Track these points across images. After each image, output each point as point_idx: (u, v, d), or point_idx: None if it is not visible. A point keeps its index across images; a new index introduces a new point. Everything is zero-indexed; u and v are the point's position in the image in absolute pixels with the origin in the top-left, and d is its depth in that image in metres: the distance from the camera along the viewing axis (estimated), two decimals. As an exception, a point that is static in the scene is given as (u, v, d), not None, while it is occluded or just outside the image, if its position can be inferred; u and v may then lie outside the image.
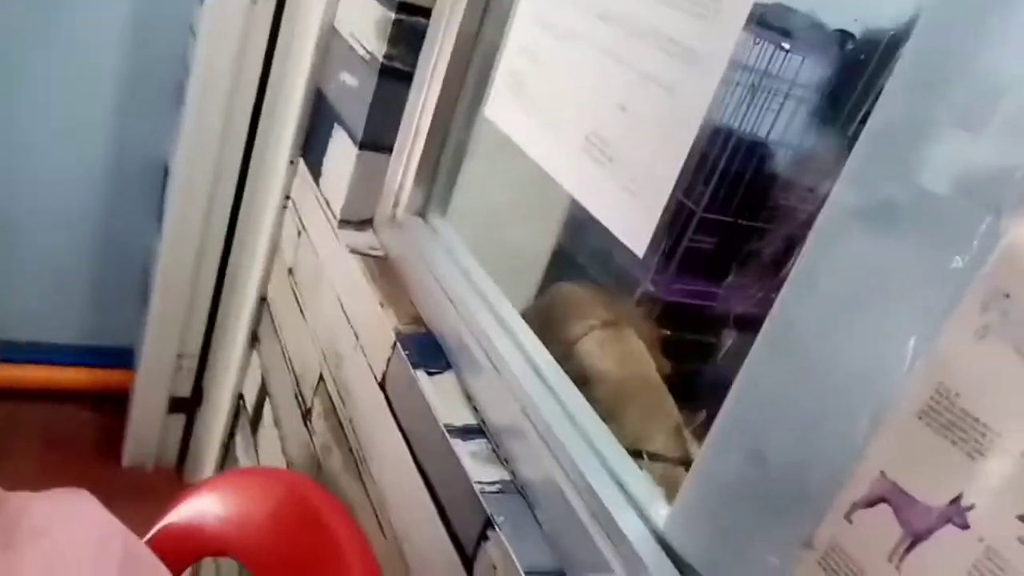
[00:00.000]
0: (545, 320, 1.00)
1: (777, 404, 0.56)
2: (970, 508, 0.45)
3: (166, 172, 2.00)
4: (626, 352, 1.04)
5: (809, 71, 1.10)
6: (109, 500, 0.76)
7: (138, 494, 1.21)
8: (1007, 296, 0.44)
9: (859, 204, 0.52)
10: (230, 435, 1.52)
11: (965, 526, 0.45)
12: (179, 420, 2.03)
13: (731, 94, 1.10)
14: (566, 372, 0.82)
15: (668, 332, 1.07)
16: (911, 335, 0.48)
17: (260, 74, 1.64)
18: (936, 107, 0.48)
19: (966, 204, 0.46)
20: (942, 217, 0.47)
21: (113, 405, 2.09)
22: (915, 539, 0.48)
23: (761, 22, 1.09)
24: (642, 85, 0.69)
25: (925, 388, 0.48)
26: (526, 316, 0.92)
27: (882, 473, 0.50)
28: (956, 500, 0.46)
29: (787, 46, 1.14)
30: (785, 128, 1.15)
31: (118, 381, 2.11)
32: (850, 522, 0.51)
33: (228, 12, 1.57)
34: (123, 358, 2.16)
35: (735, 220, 1.13)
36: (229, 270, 1.83)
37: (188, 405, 2.01)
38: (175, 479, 2.04)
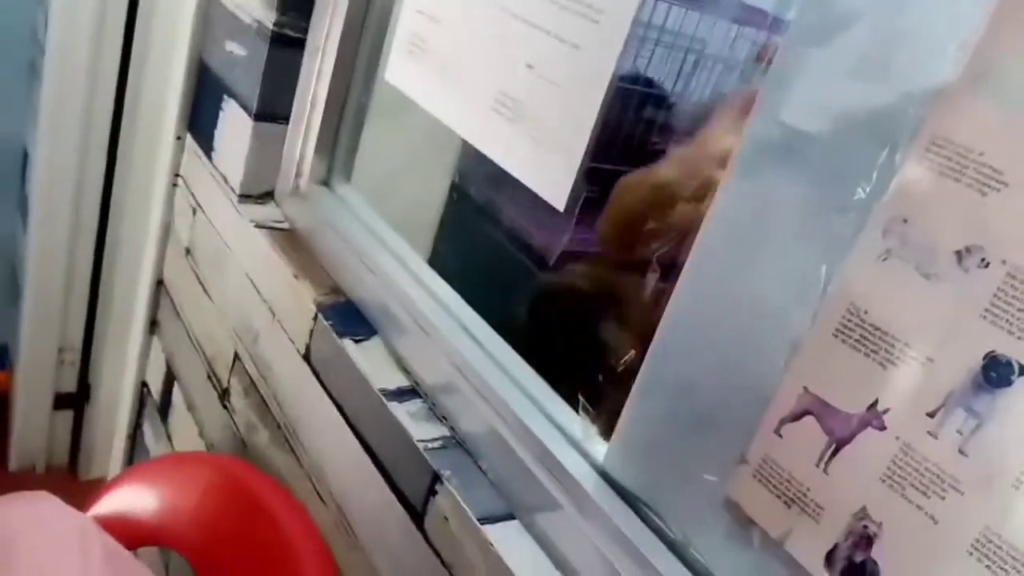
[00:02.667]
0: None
1: (704, 337, 0.60)
2: (886, 411, 0.51)
3: (25, 157, 1.88)
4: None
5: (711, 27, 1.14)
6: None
7: (32, 497, 1.17)
8: (905, 221, 0.50)
9: (770, 144, 0.56)
10: (136, 426, 1.47)
11: (883, 428, 0.51)
12: (67, 417, 1.94)
13: (638, 49, 1.14)
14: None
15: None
16: (823, 262, 0.53)
17: (122, 47, 1.55)
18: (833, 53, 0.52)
19: (865, 140, 0.51)
20: (845, 153, 0.52)
21: (-8, 407, 1.97)
22: (839, 444, 0.54)
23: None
24: (548, 44, 0.71)
25: (838, 308, 0.53)
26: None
27: (805, 388, 0.55)
28: (873, 406, 0.52)
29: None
30: (697, 80, 1.18)
31: (-5, 381, 2.00)
32: (780, 436, 0.56)
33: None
34: (-4, 357, 2.04)
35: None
36: (107, 256, 1.75)
37: (75, 400, 1.92)
38: (69, 478, 1.96)
